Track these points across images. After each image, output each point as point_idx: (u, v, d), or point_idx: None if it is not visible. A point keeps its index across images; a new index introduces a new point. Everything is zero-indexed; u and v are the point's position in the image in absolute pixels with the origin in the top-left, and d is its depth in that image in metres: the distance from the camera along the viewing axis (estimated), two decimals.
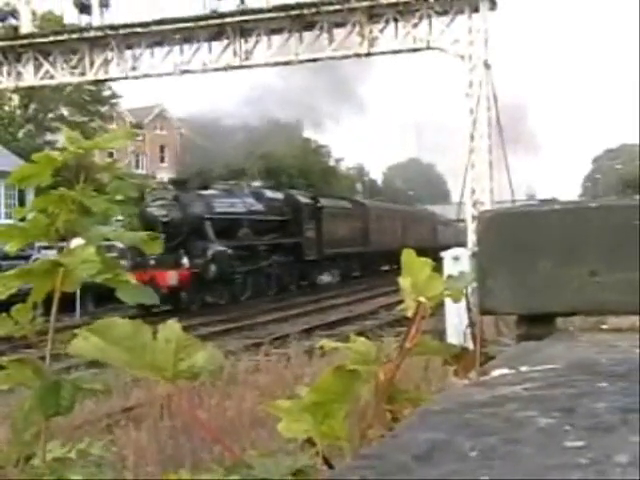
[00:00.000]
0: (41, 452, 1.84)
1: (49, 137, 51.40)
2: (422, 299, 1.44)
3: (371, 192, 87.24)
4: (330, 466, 1.62)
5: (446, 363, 1.84)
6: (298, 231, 42.11)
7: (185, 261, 32.31)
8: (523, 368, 1.33)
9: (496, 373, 1.33)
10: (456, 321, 11.60)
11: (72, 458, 1.87)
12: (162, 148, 64.60)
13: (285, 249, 40.78)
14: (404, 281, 1.47)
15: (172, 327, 1.60)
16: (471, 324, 2.03)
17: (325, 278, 46.99)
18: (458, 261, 14.20)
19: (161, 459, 8.76)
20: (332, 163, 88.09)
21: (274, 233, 40.21)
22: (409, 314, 1.46)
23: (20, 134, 52.37)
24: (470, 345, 1.88)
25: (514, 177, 25.31)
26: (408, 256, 1.48)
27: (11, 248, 1.84)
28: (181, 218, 33.52)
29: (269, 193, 42.57)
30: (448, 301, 1.71)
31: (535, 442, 0.87)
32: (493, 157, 23.86)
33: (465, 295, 1.75)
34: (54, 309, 1.80)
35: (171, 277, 31.32)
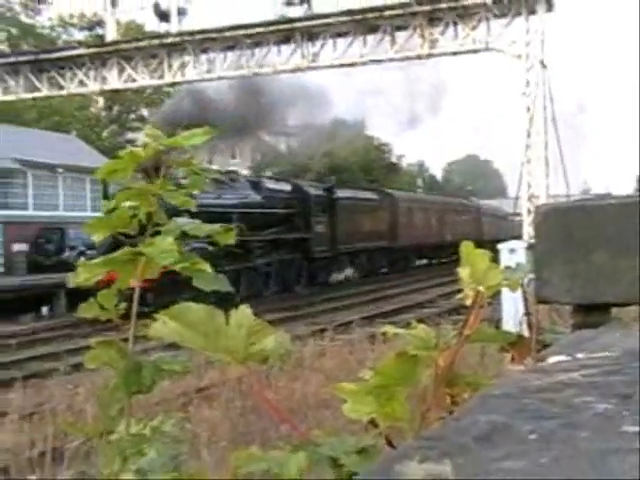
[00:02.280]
0: (123, 427, 1.86)
1: (130, 136, 51.94)
2: (480, 288, 1.42)
3: (431, 187, 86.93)
4: (392, 446, 1.62)
5: (503, 350, 1.82)
6: (305, 225, 36.06)
7: None
8: (579, 355, 1.31)
9: (553, 360, 1.31)
10: (512, 310, 11.52)
11: (146, 434, 1.89)
12: (233, 145, 64.78)
13: (289, 245, 35.09)
14: (463, 271, 1.45)
15: (244, 312, 1.61)
16: (527, 313, 2.01)
17: (339, 276, 40.72)
18: (514, 253, 14.11)
19: (232, 436, 8.82)
20: (394, 160, 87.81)
21: (275, 227, 34.18)
22: (468, 303, 1.45)
23: (104, 133, 53.00)
24: (525, 333, 1.86)
25: (569, 172, 25.09)
26: (467, 248, 1.47)
27: (97, 238, 1.86)
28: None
29: (271, 184, 36.35)
30: (504, 291, 1.69)
31: (592, 427, 0.86)
32: (549, 153, 23.59)
33: (521, 285, 1.73)
34: (136, 295, 1.81)
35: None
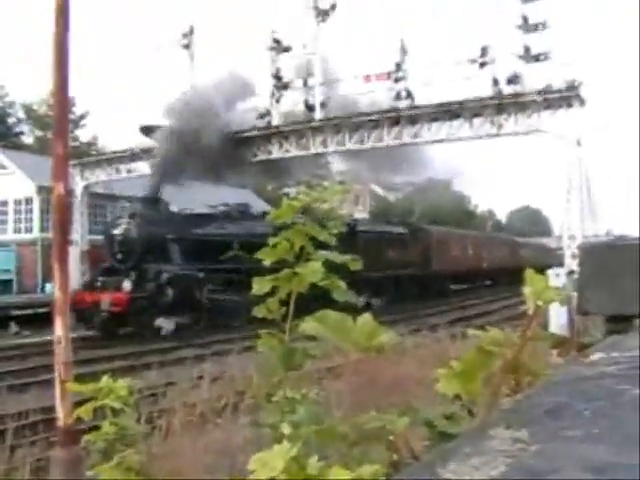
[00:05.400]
0: (281, 392, 1.88)
1: (285, 190, 52.83)
2: (539, 302, 1.41)
3: (497, 228, 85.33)
4: (471, 414, 1.59)
5: (552, 347, 1.78)
6: None
7: (126, 284, 20.76)
8: (613, 354, 1.27)
9: (595, 357, 1.27)
10: (556, 319, 11.19)
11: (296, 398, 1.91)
12: (357, 197, 65.05)
13: None
14: (526, 289, 1.44)
15: (367, 317, 1.63)
16: (571, 321, 1.95)
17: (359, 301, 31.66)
18: (558, 277, 13.72)
19: (354, 403, 8.78)
20: (471, 208, 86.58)
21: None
22: (530, 312, 1.43)
23: (269, 188, 53.86)
24: (568, 335, 1.81)
25: (597, 220, 24.87)
26: (529, 273, 1.44)
27: (267, 262, 1.89)
28: (135, 238, 21.89)
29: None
30: (552, 304, 1.66)
31: (631, 406, 0.83)
32: (583, 206, 23.08)
33: (567, 300, 1.68)
34: (291, 303, 1.83)
35: (105, 301, 20.32)
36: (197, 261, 22.83)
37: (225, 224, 25.19)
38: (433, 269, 36.72)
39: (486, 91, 23.84)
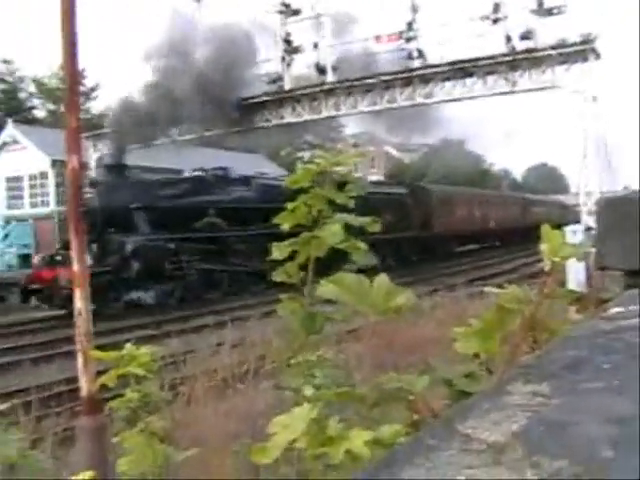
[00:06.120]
0: (301, 357, 1.89)
1: (299, 154, 52.68)
2: (556, 259, 1.40)
3: (513, 187, 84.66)
4: (490, 372, 1.60)
5: (570, 304, 1.77)
6: None
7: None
8: (632, 307, 1.27)
9: (613, 311, 1.27)
10: (574, 275, 11.14)
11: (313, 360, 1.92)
12: (372, 159, 64.67)
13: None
14: (543, 246, 1.43)
15: (383, 278, 1.63)
16: (589, 277, 1.95)
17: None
18: (575, 234, 13.64)
19: (373, 364, 8.83)
20: (486, 167, 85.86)
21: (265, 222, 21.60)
22: (546, 269, 1.43)
23: (282, 153, 53.65)
24: (586, 291, 1.81)
25: (615, 176, 24.68)
26: (545, 229, 1.44)
27: (285, 227, 1.89)
28: (96, 208, 19.67)
29: (263, 180, 25.29)
30: (569, 260, 1.65)
31: None
32: (600, 161, 22.87)
33: (585, 256, 1.68)
34: (311, 266, 1.83)
35: (62, 277, 18.07)
36: (166, 230, 21.12)
37: (197, 190, 23.10)
38: (435, 231, 34.54)
39: (499, 48, 23.57)
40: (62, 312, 17.85)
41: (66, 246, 19.46)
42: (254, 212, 22.55)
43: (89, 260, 18.38)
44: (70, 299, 18.79)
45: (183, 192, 22.62)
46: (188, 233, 21.61)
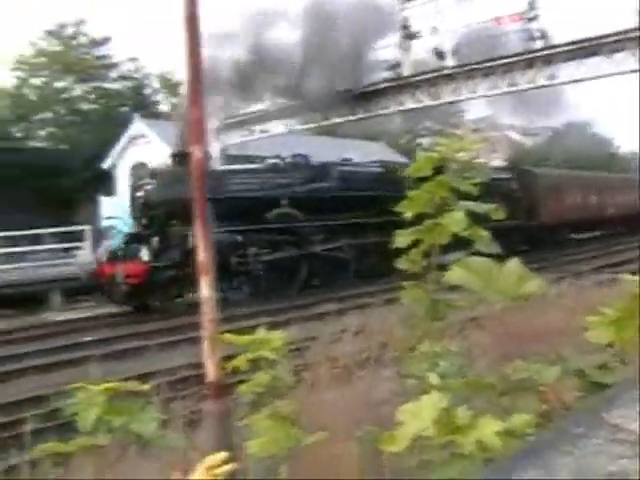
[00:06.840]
0: (426, 344, 1.89)
1: (418, 140, 52.21)
2: None
3: None
4: (624, 363, 1.55)
5: None
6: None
7: (143, 253, 17.87)
8: None
9: None
10: None
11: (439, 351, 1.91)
12: (493, 144, 63.16)
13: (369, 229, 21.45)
14: None
15: (515, 264, 1.60)
16: None
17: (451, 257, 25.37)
18: None
19: (498, 353, 8.66)
20: (613, 150, 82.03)
21: (350, 212, 21.64)
22: None
23: (402, 140, 53.32)
24: None
25: None
26: None
27: (407, 214, 1.89)
28: (157, 200, 18.56)
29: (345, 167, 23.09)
30: None
31: None
32: None
33: None
34: (435, 252, 1.83)
35: (119, 273, 17.66)
36: (235, 222, 19.24)
37: (271, 178, 21.35)
38: (542, 219, 30.94)
39: (627, 23, 22.44)
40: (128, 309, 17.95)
41: (130, 240, 19.53)
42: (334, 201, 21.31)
43: (146, 255, 17.76)
44: (129, 295, 17.71)
45: (254, 181, 21.01)
46: (259, 224, 20.14)
